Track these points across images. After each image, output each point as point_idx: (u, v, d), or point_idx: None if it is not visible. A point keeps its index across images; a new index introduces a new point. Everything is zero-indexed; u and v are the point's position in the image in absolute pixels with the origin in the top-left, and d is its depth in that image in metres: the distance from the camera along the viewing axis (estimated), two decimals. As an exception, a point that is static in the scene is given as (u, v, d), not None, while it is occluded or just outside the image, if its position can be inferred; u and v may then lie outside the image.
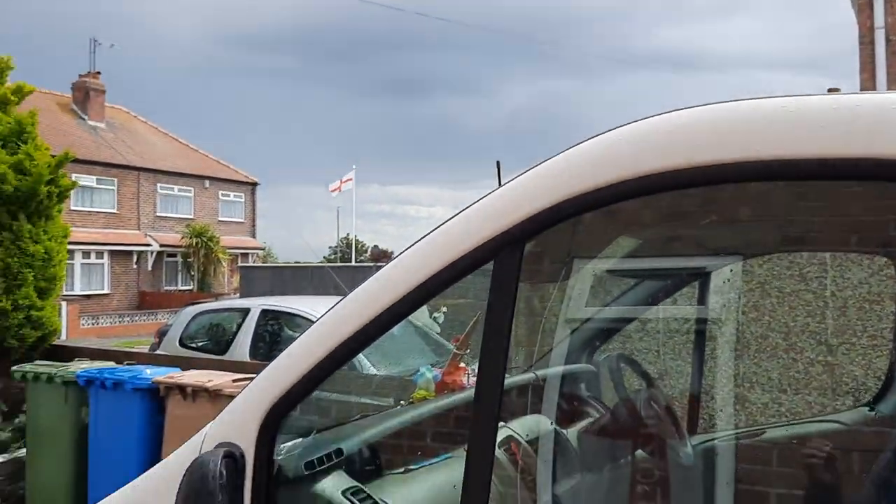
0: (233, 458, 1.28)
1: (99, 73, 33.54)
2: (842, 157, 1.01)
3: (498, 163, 1.99)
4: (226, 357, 6.97)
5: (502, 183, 1.72)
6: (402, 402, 2.09)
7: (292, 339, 5.95)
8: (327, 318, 1.38)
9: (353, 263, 30.29)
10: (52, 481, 5.56)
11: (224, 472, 1.18)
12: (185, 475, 1.18)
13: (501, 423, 2.22)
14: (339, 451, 1.61)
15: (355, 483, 1.59)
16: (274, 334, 7.61)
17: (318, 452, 1.56)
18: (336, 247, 53.77)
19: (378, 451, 1.77)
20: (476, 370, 2.36)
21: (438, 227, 1.32)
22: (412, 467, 1.80)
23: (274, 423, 1.38)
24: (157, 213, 33.09)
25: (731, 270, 2.61)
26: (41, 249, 6.66)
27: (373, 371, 6.57)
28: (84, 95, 32.72)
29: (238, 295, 27.12)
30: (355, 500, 1.53)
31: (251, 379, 4.90)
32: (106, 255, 30.26)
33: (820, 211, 1.62)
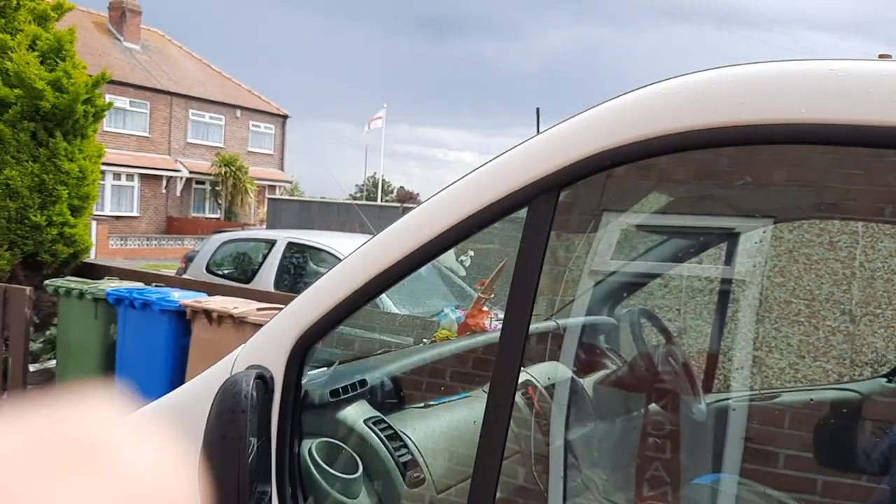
0: (263, 380, 1.33)
1: (135, -7, 33.31)
2: (885, 124, 1.00)
3: (538, 109, 1.98)
4: (250, 286, 7.10)
5: (541, 130, 1.72)
6: (424, 340, 2.14)
7: (316, 273, 6.10)
8: (358, 254, 1.41)
9: (379, 203, 30.37)
10: (80, 393, 5.78)
11: (254, 393, 1.24)
12: (218, 392, 1.24)
13: (521, 369, 2.27)
14: (362, 382, 1.67)
15: (377, 413, 1.65)
16: (298, 267, 7.71)
17: (343, 382, 1.62)
18: (362, 185, 53.85)
19: (400, 385, 1.82)
20: (500, 314, 2.40)
21: (474, 170, 1.33)
22: (432, 403, 1.85)
23: (302, 351, 1.43)
24: (188, 140, 33.26)
25: (761, 233, 2.61)
26: (76, 168, 6.76)
27: (394, 310, 6.67)
28: (120, 16, 32.58)
29: (264, 226, 27.40)
30: (376, 429, 1.59)
31: (275, 308, 5.01)
32: (136, 178, 30.60)
33: (857, 178, 1.61)
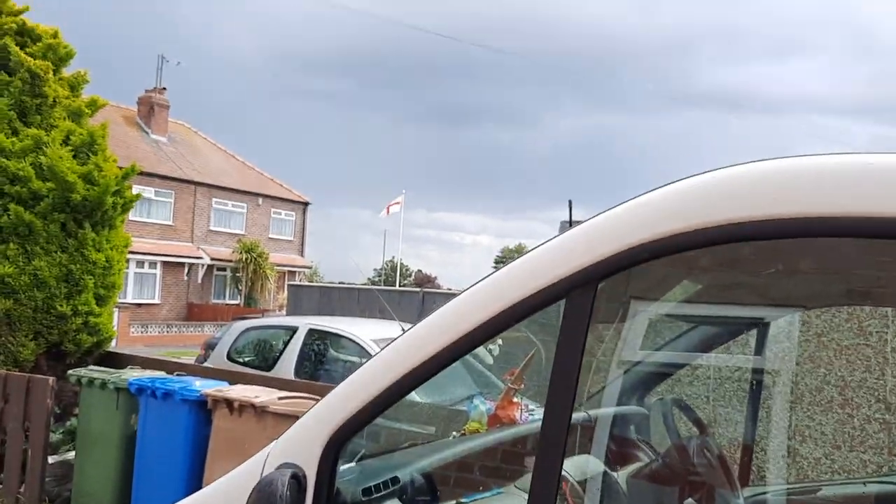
0: (296, 479, 1.31)
1: (164, 88, 34.72)
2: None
3: (570, 202, 2.01)
4: (272, 373, 7.07)
5: (573, 221, 1.73)
6: (454, 433, 2.10)
7: (337, 360, 6.03)
8: (391, 349, 1.41)
9: (399, 287, 30.47)
10: (97, 486, 5.69)
11: (289, 493, 1.21)
12: (252, 492, 1.22)
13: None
14: (394, 479, 1.63)
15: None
16: (320, 354, 7.69)
17: (375, 479, 1.58)
18: (381, 269, 54.20)
19: (432, 481, 1.78)
20: (530, 405, 2.36)
21: (510, 263, 1.34)
22: (464, 500, 1.80)
23: (336, 448, 1.41)
24: (211, 227, 33.87)
25: (790, 321, 2.57)
26: (102, 258, 6.88)
27: (415, 398, 6.57)
28: (149, 110, 33.87)
29: (283, 311, 27.49)
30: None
31: (297, 397, 4.94)
32: (159, 266, 31.04)
33: (887, 267, 1.60)
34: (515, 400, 2.21)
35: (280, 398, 5.08)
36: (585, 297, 1.23)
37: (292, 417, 5.02)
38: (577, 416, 2.56)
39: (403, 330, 5.95)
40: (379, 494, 1.56)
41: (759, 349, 2.67)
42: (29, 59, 6.82)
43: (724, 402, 2.88)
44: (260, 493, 1.20)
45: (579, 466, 2.19)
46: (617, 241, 1.20)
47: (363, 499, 1.53)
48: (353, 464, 1.66)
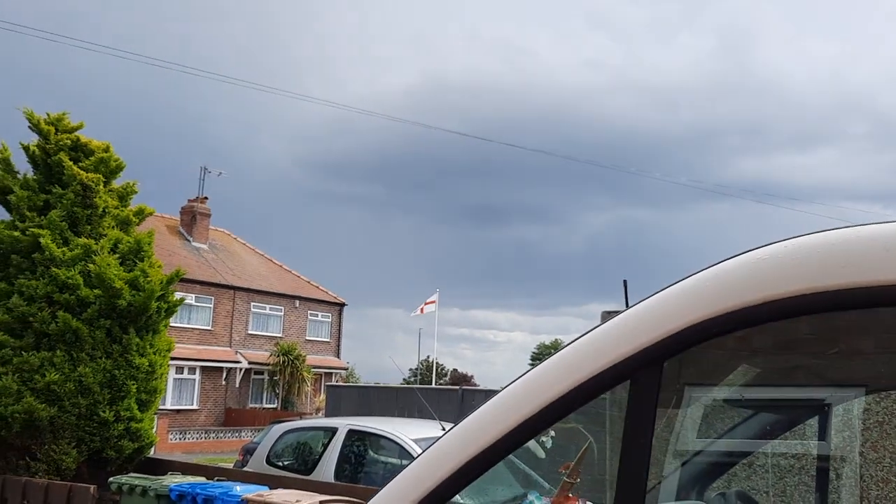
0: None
1: (206, 198, 35.95)
2: None
3: (625, 282, 1.97)
4: (312, 476, 6.90)
5: (628, 301, 1.70)
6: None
7: (378, 461, 5.89)
8: (447, 439, 1.36)
9: (438, 386, 30.07)
10: None
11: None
12: None
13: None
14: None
15: None
16: (360, 455, 7.51)
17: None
18: (416, 369, 53.75)
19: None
20: (587, 502, 2.25)
21: (569, 343, 1.31)
22: None
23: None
24: (249, 331, 34.16)
25: (854, 404, 2.46)
26: (146, 362, 6.94)
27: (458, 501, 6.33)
28: (191, 218, 34.98)
29: (321, 414, 27.18)
30: None
31: (338, 500, 4.79)
32: (198, 371, 31.18)
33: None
34: (572, 496, 2.11)
35: (322, 502, 4.96)
36: (651, 377, 1.19)
37: (334, 522, 4.88)
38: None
39: (444, 429, 5.88)
40: None
41: (822, 434, 2.55)
42: (81, 172, 7.15)
43: (788, 494, 2.72)
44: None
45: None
46: (683, 317, 1.17)
47: None
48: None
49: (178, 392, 30.00)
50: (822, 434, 2.54)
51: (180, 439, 25.80)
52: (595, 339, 1.26)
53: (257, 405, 33.40)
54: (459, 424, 1.38)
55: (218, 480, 5.84)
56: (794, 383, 2.28)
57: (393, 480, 1.42)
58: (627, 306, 1.47)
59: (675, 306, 1.20)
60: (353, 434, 7.47)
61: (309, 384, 33.42)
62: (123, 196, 7.68)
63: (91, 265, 6.81)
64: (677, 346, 1.18)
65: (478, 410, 1.36)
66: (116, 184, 7.68)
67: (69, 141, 7.34)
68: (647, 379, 1.18)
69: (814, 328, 1.45)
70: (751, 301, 1.08)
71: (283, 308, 35.95)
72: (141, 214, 7.81)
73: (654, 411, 1.17)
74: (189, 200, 35.66)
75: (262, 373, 33.77)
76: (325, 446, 7.59)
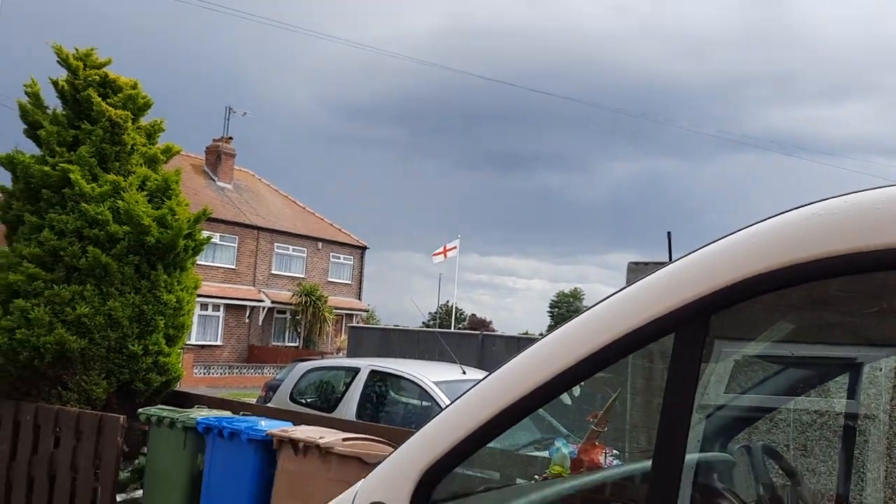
0: (391, 518, 1.26)
1: (231, 138, 35.94)
2: None
3: (669, 234, 1.93)
4: (333, 414, 7.05)
5: (671, 254, 1.67)
6: (535, 476, 2.03)
7: (398, 402, 5.95)
8: (484, 386, 1.36)
9: (460, 331, 30.37)
10: (164, 525, 5.71)
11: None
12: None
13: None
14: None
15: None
16: (381, 395, 7.65)
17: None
18: (435, 313, 54.20)
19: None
20: (613, 450, 2.26)
21: (610, 295, 1.29)
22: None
23: (428, 488, 1.36)
24: (272, 271, 34.55)
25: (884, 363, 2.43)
26: (173, 299, 7.04)
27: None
28: (216, 158, 35.07)
29: (341, 354, 27.64)
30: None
31: (361, 439, 4.86)
32: (222, 309, 31.72)
33: None
34: (598, 444, 2.12)
35: (344, 439, 5.05)
36: (697, 330, 1.17)
37: (356, 459, 4.99)
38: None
39: (464, 372, 5.90)
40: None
41: (852, 393, 2.53)
42: (110, 108, 7.14)
43: (816, 450, 2.72)
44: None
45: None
46: (733, 271, 1.14)
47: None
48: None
49: (202, 328, 30.60)
50: (852, 393, 2.52)
51: (204, 374, 26.42)
52: (639, 291, 1.24)
53: (279, 343, 34.03)
54: (496, 372, 1.37)
55: (243, 415, 5.96)
56: (827, 341, 2.25)
57: (429, 424, 1.43)
58: (671, 258, 1.44)
59: (725, 260, 1.17)
60: (375, 375, 7.59)
61: (330, 325, 33.91)
62: (151, 134, 7.67)
63: (120, 202, 6.86)
64: (725, 300, 1.16)
65: (516, 359, 1.35)
66: (144, 121, 7.66)
67: (97, 77, 7.31)
68: (692, 332, 1.17)
69: (857, 286, 1.42)
70: (805, 257, 1.05)
71: (305, 249, 36.23)
72: (168, 153, 7.81)
73: (698, 365, 1.16)
74: (214, 140, 35.70)
75: (284, 312, 34.28)
76: (348, 386, 7.73)
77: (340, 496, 1.49)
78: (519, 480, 1.99)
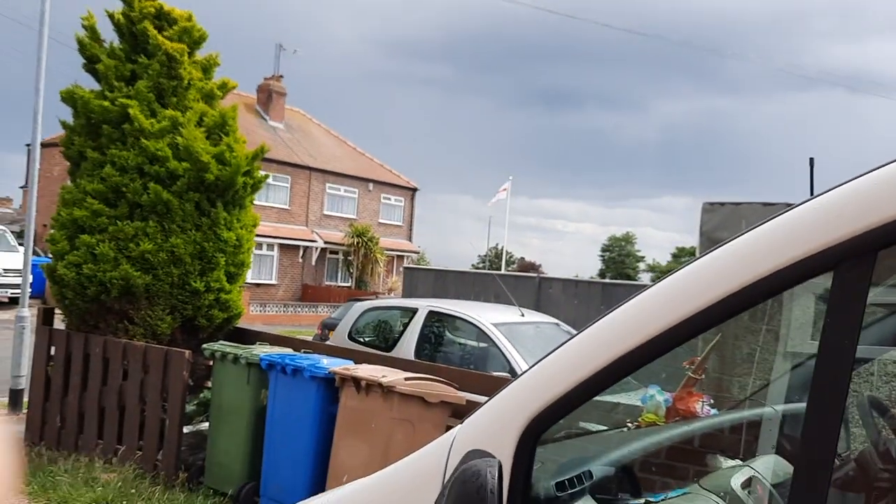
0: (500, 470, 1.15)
1: (282, 76, 35.86)
2: None
3: (811, 160, 1.75)
4: (392, 354, 7.06)
5: (813, 183, 1.48)
6: (628, 423, 1.91)
7: (456, 343, 5.82)
8: (604, 327, 1.23)
9: (516, 273, 30.30)
10: (229, 457, 5.85)
11: (497, 487, 1.06)
12: (455, 482, 1.07)
13: (740, 462, 1.98)
14: (588, 474, 1.46)
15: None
16: (439, 336, 7.63)
17: (568, 472, 1.41)
18: (485, 256, 54.21)
19: (625, 477, 1.60)
20: (711, 399, 2.12)
21: (753, 228, 1.13)
22: (652, 500, 1.61)
23: (534, 436, 1.25)
24: (324, 212, 34.84)
25: None
26: (233, 236, 7.06)
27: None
28: (267, 97, 35.09)
29: (393, 294, 27.90)
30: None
31: (423, 378, 4.80)
32: (276, 248, 32.23)
33: None
34: (696, 391, 1.98)
35: (406, 379, 5.03)
36: (860, 269, 1.00)
37: (418, 398, 4.97)
38: (761, 411, 2.30)
39: (522, 314, 5.74)
40: (573, 490, 1.39)
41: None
42: (166, 42, 7.06)
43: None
44: (465, 483, 1.05)
45: (772, 468, 1.95)
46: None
47: (558, 494, 1.37)
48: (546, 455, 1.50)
49: (257, 267, 31.20)
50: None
51: (260, 311, 27.04)
52: (792, 223, 1.08)
53: (332, 283, 34.53)
54: (612, 315, 1.23)
55: (304, 353, 6.00)
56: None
57: (533, 370, 1.31)
58: (812, 190, 1.27)
59: (893, 189, 1.00)
60: (433, 315, 7.56)
61: (382, 266, 34.20)
62: (207, 68, 7.59)
63: (179, 138, 6.84)
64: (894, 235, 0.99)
65: (636, 299, 1.21)
66: (199, 55, 7.57)
67: (153, 9, 7.22)
68: (854, 271, 1.01)
69: None
70: None
71: (357, 190, 36.35)
72: (224, 88, 7.73)
73: (862, 306, 1.00)
74: (265, 78, 35.66)
75: (336, 252, 34.67)
76: (406, 326, 7.72)
77: (436, 441, 1.39)
78: (610, 428, 1.87)
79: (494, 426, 1.29)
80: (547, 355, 1.32)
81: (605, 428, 1.79)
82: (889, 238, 0.99)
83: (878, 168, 1.05)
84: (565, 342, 1.30)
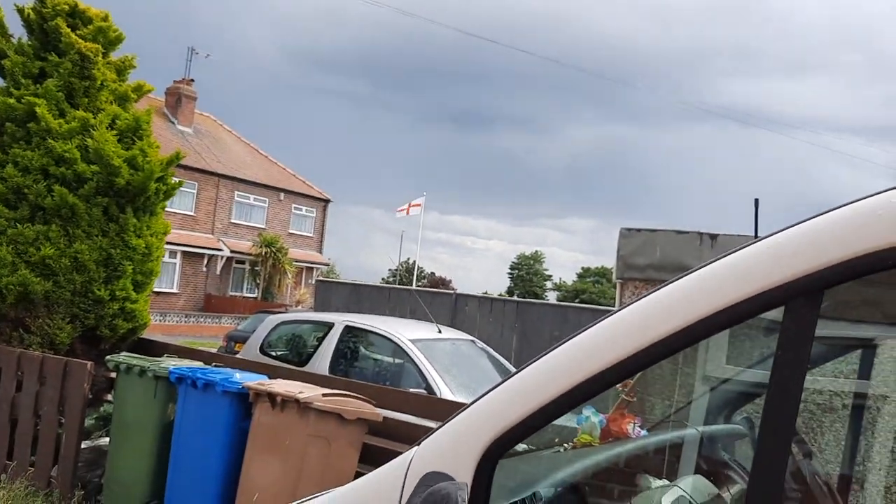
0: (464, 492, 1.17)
1: (192, 80, 34.85)
2: None
3: (756, 200, 1.85)
4: (305, 369, 6.94)
5: (758, 223, 1.58)
6: (564, 444, 1.96)
7: (372, 359, 5.82)
8: (566, 352, 1.27)
9: (433, 289, 30.39)
10: (131, 474, 5.58)
11: (466, 509, 1.08)
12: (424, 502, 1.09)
13: (667, 482, 2.07)
14: (536, 496, 1.49)
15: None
16: (355, 351, 7.56)
17: (518, 494, 1.44)
18: (396, 270, 54.19)
19: (572, 498, 1.64)
20: (641, 420, 2.21)
21: (711, 262, 1.20)
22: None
23: (493, 460, 1.28)
24: (232, 220, 33.93)
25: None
26: (142, 244, 6.79)
27: (450, 396, 6.46)
28: (176, 101, 34.00)
29: (302, 307, 27.41)
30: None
31: (341, 395, 4.75)
32: (178, 255, 31.11)
33: None
34: (628, 413, 2.06)
35: (324, 395, 4.96)
36: (808, 306, 1.09)
37: (335, 415, 4.91)
38: (684, 432, 2.41)
39: (440, 331, 5.79)
40: (525, 511, 1.42)
41: (865, 373, 2.52)
42: (79, 41, 6.76)
43: (825, 427, 2.72)
44: (434, 506, 1.07)
45: (698, 488, 2.05)
46: (848, 246, 1.06)
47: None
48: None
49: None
50: (865, 372, 2.50)
51: (160, 321, 25.98)
52: (746, 260, 1.15)
53: (237, 294, 33.62)
54: (575, 340, 1.28)
55: (216, 366, 5.82)
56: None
57: (494, 393, 1.34)
58: (756, 228, 1.36)
59: (841, 232, 1.09)
60: (349, 330, 7.48)
61: (290, 277, 33.58)
62: (121, 70, 7.29)
63: (89, 140, 6.53)
64: (841, 275, 1.08)
65: (596, 328, 1.26)
66: (114, 56, 7.28)
67: (66, 6, 6.88)
68: (803, 308, 1.09)
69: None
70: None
71: (267, 199, 35.63)
72: (139, 91, 7.44)
73: (809, 343, 1.09)
74: (175, 81, 34.57)
75: (243, 262, 33.80)
76: (321, 340, 7.61)
77: (391, 463, 1.39)
78: (546, 449, 1.92)
79: (454, 449, 1.30)
80: (505, 380, 1.35)
81: (535, 448, 1.84)
82: (835, 278, 1.08)
83: (824, 213, 1.14)
84: (523, 367, 1.33)
